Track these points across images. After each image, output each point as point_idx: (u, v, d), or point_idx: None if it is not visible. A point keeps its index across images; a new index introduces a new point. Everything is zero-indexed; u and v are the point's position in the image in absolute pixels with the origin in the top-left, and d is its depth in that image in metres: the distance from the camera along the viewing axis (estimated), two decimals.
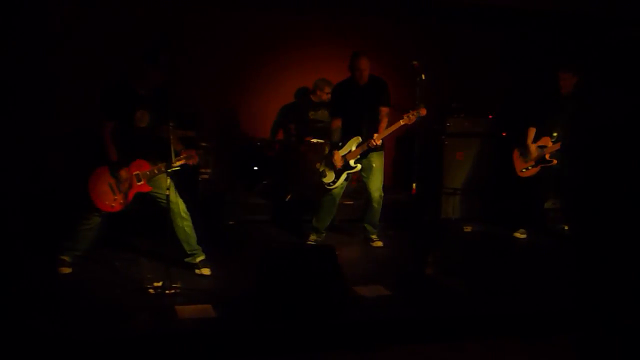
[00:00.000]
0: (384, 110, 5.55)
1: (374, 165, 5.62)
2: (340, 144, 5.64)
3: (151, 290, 4.30)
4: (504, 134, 7.04)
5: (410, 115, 5.30)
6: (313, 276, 4.00)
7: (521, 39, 7.85)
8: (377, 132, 5.46)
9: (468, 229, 6.58)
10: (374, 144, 5.40)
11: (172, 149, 4.37)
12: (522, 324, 4.14)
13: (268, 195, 6.86)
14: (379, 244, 5.85)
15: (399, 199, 6.73)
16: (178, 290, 4.29)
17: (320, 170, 5.67)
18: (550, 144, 6.04)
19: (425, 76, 4.83)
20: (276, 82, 7.37)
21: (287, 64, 7.40)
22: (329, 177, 5.61)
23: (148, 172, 4.65)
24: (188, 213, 4.76)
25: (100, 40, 6.47)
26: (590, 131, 5.89)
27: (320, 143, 6.64)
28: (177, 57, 6.06)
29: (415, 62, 4.88)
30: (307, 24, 7.38)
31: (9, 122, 5.86)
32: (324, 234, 5.81)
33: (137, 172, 4.66)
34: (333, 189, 5.62)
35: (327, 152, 5.93)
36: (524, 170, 6.20)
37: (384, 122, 5.49)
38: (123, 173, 4.61)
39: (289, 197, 6.69)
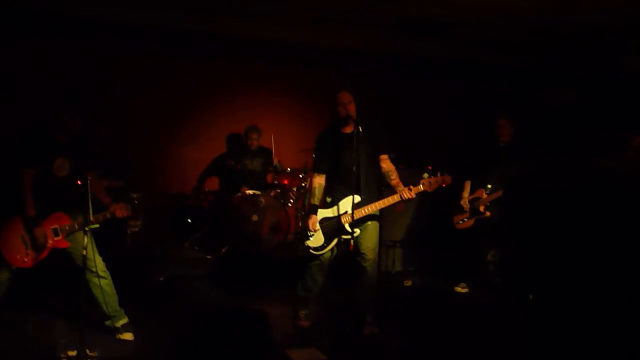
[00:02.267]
0: (384, 157, 4.76)
1: (369, 222, 4.71)
2: (329, 200, 4.78)
3: None
4: (444, 185, 6.78)
5: (432, 182, 4.64)
6: (240, 340, 3.71)
7: (458, 89, 7.89)
8: (373, 188, 4.65)
9: (408, 283, 6.39)
10: (407, 196, 4.54)
11: (91, 204, 4.05)
12: None
13: (202, 248, 6.55)
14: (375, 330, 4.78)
15: (337, 255, 6.37)
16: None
17: (303, 232, 4.84)
18: (484, 196, 5.94)
19: (362, 128, 4.48)
20: (211, 129, 7.22)
21: (222, 111, 7.22)
22: (316, 240, 4.74)
23: (67, 227, 4.34)
24: (107, 271, 4.41)
25: (22, 86, 6.18)
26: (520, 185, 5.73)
27: (257, 195, 6.42)
28: (106, 103, 5.90)
29: (352, 114, 4.54)
30: (243, 70, 7.29)
31: None
32: (311, 304, 5.01)
33: (55, 226, 4.33)
34: (321, 253, 4.73)
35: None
36: (460, 222, 6.09)
37: (395, 172, 4.72)
38: (37, 232, 4.31)
39: (224, 250, 6.43)
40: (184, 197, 6.83)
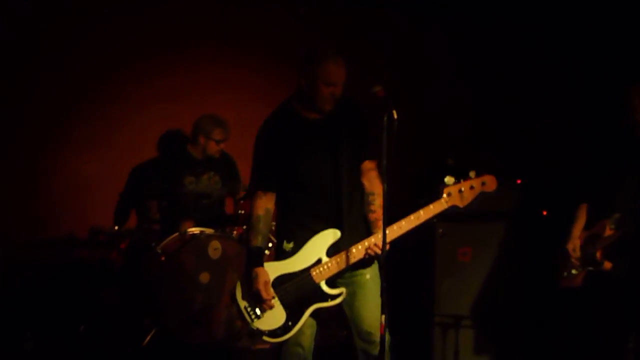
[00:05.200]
0: (369, 166, 4.05)
1: (367, 276, 3.98)
2: (290, 245, 4.00)
3: None
4: (545, 213, 5.95)
5: (464, 189, 3.87)
6: None
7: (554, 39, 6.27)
8: (367, 220, 3.98)
9: None
10: (375, 251, 3.84)
11: None
12: None
13: (110, 337, 5.62)
14: None
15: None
16: None
17: (243, 306, 4.03)
18: (607, 232, 4.71)
19: (397, 114, 3.54)
20: (125, 125, 6.29)
21: (144, 94, 6.35)
22: (271, 318, 3.98)
23: None
24: None
25: None
26: None
27: (208, 236, 5.39)
28: None
29: (378, 89, 3.65)
30: (180, 22, 6.39)
31: None
32: None
33: None
34: (284, 339, 3.97)
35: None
36: (565, 274, 4.97)
37: (380, 197, 3.96)
38: None
39: (148, 338, 5.32)
40: (73, 244, 5.67)
